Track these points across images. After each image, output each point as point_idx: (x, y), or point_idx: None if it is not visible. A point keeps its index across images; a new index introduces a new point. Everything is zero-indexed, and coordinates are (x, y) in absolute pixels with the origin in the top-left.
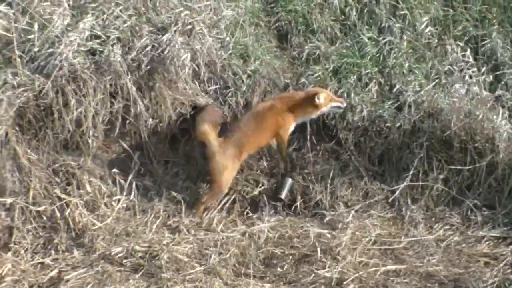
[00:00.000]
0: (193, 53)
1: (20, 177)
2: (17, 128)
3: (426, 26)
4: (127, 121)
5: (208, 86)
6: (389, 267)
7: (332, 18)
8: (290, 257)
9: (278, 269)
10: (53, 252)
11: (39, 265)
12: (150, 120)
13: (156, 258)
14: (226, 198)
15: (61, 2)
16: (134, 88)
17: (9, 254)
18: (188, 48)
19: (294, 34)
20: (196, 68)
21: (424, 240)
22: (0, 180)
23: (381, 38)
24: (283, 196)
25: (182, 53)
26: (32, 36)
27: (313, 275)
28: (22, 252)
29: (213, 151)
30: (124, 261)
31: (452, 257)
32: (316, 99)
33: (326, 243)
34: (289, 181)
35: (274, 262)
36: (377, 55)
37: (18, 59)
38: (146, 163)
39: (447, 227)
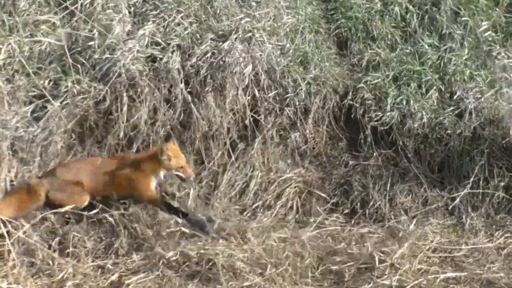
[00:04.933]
0: (252, 60)
1: None
2: (78, 134)
3: (487, 32)
4: (185, 127)
5: (267, 93)
6: (449, 275)
7: (392, 24)
8: (349, 264)
9: (337, 276)
10: (113, 256)
11: (100, 269)
12: (207, 126)
13: (212, 264)
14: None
15: (122, 9)
16: (189, 96)
17: (70, 258)
18: (248, 55)
19: (354, 41)
20: (256, 75)
21: (485, 248)
22: None
23: (441, 45)
24: (211, 232)
25: (242, 60)
26: (92, 43)
27: (372, 282)
28: (83, 256)
29: None
30: (182, 266)
31: None
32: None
33: (385, 251)
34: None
35: (333, 268)
36: (438, 62)
37: (79, 67)
38: (203, 169)
39: (508, 234)
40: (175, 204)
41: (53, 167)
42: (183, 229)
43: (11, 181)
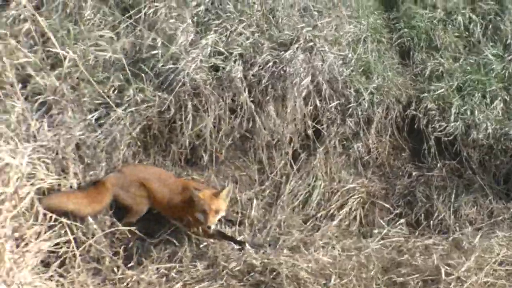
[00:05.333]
0: (314, 70)
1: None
2: (142, 142)
3: None
4: (248, 137)
5: (329, 103)
6: None
7: (455, 34)
8: (414, 276)
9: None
10: (177, 265)
11: (164, 277)
12: (269, 136)
13: (276, 274)
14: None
15: (185, 18)
16: (252, 106)
17: (135, 266)
18: (309, 65)
19: (417, 51)
20: (317, 84)
21: None
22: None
23: (506, 55)
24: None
25: (303, 70)
26: (156, 52)
27: None
28: (148, 264)
29: None
30: (246, 276)
31: None
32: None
33: (451, 263)
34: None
35: (398, 280)
36: (502, 72)
37: (143, 76)
38: (266, 178)
39: None
40: (230, 233)
41: (122, 166)
42: (248, 247)
43: (79, 184)
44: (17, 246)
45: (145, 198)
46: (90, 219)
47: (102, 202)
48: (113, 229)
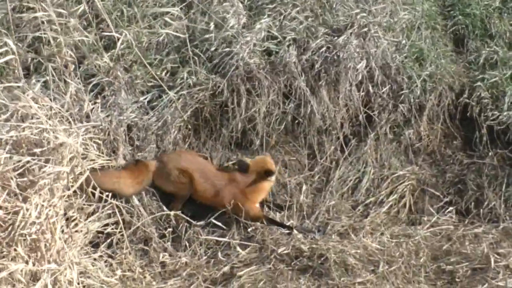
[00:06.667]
0: (367, 55)
1: None
2: (193, 125)
3: None
4: (299, 122)
5: (381, 89)
6: None
7: (511, 22)
8: (463, 264)
9: (450, 276)
10: (225, 248)
11: (212, 260)
12: (321, 121)
13: (324, 259)
14: (392, 199)
15: (238, 2)
16: (308, 91)
17: (184, 249)
18: (362, 51)
19: (471, 38)
20: (370, 70)
21: None
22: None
23: None
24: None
25: (356, 56)
26: (209, 36)
27: (486, 284)
28: (197, 247)
29: None
30: (295, 260)
31: None
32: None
33: (501, 252)
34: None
35: (447, 268)
36: None
37: (196, 59)
38: (316, 164)
39: None
40: (278, 218)
41: (160, 155)
42: (296, 232)
43: None
44: (67, 226)
45: (186, 184)
46: (136, 201)
47: (142, 183)
48: (159, 213)
